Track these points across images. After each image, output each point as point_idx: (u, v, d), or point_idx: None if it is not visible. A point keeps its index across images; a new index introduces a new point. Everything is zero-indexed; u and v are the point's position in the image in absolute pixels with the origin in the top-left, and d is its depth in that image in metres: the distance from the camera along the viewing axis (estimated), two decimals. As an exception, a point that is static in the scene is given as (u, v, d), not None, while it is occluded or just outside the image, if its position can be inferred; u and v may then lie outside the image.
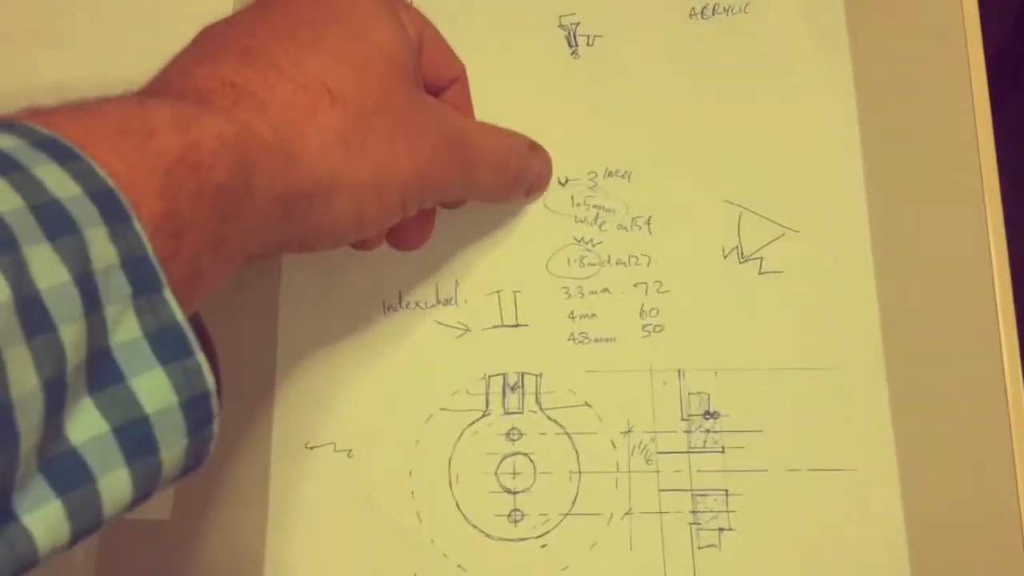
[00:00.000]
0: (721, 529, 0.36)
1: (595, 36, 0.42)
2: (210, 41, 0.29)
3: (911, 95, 0.40)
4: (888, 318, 0.38)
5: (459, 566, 0.36)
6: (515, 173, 0.37)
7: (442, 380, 0.38)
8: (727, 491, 0.36)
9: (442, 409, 0.38)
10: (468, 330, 0.39)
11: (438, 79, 0.35)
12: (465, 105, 0.37)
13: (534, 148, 0.38)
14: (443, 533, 0.36)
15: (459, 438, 0.37)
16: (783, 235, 0.39)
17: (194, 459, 0.23)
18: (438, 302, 0.39)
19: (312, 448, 0.37)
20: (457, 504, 0.37)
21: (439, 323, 0.39)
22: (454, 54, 0.36)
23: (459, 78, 0.37)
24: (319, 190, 0.27)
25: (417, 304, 0.39)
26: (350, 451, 0.37)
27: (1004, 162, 0.39)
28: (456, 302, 0.39)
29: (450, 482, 0.37)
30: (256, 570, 0.36)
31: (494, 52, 0.42)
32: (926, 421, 0.37)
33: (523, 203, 0.40)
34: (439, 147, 0.31)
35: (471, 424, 0.38)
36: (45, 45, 0.42)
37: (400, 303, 0.39)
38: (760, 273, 0.39)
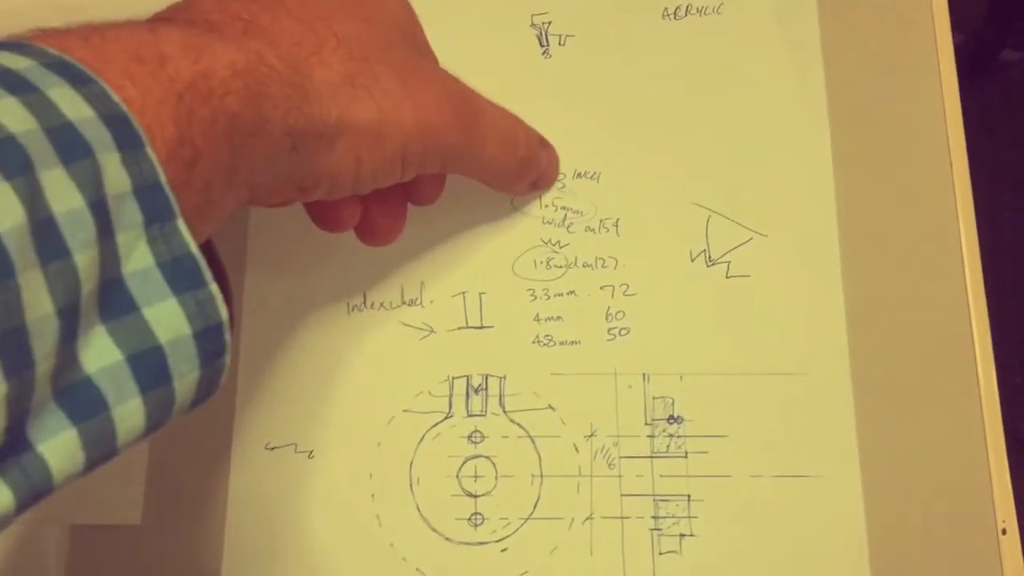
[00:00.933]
0: (683, 535, 0.36)
1: (567, 36, 0.42)
2: None
3: (883, 98, 0.40)
4: (855, 323, 0.37)
5: (418, 570, 0.36)
6: (523, 155, 0.36)
7: (405, 381, 0.38)
8: (689, 496, 0.36)
9: (405, 411, 0.37)
10: (433, 331, 0.38)
11: None
12: None
13: (544, 142, 0.38)
14: (403, 536, 0.36)
15: (421, 440, 0.37)
16: (751, 239, 0.39)
17: (205, 390, 0.23)
18: (403, 303, 0.39)
19: (273, 449, 0.37)
20: (418, 507, 0.36)
21: (404, 324, 0.38)
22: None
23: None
24: (326, 127, 0.27)
25: (382, 305, 0.39)
26: (311, 452, 0.37)
27: (976, 153, 0.39)
28: (421, 303, 0.39)
29: (411, 485, 0.37)
30: (214, 572, 0.36)
31: (465, 50, 0.41)
32: (891, 428, 0.36)
33: (527, 197, 0.39)
34: (444, 107, 0.31)
35: (433, 426, 0.37)
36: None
37: (365, 304, 0.39)
38: (727, 277, 0.38)
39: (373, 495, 0.37)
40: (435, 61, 0.33)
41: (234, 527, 0.36)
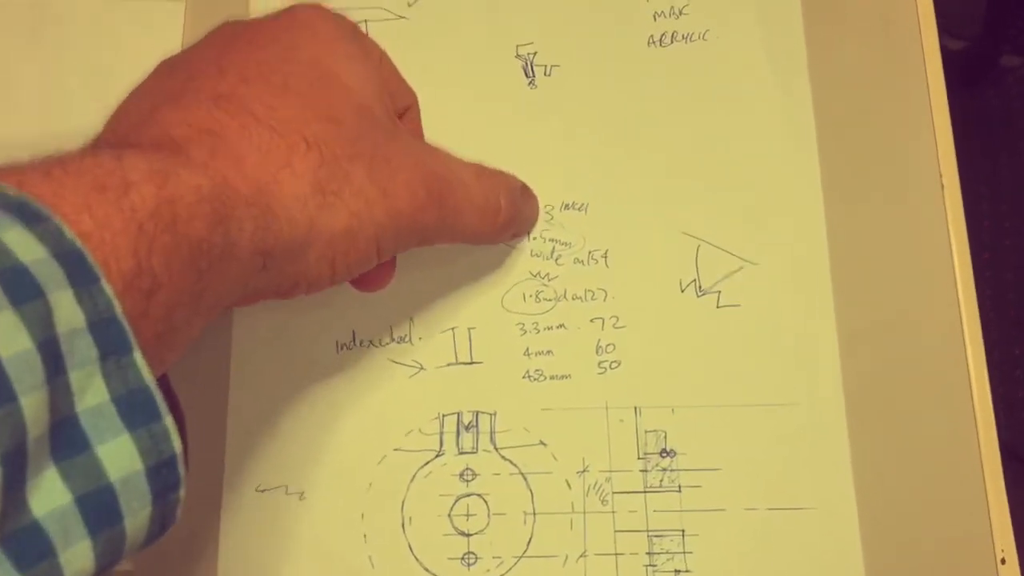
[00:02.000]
0: (678, 571, 0.35)
1: (552, 66, 0.41)
2: (174, 79, 0.28)
3: (871, 123, 0.40)
4: (848, 353, 0.37)
5: (411, 611, 0.35)
6: (505, 219, 0.35)
7: (396, 420, 0.38)
8: (684, 531, 0.36)
9: (396, 450, 0.37)
10: (422, 368, 0.38)
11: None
12: (416, 135, 0.37)
13: (527, 192, 0.38)
14: (395, 577, 0.36)
15: (412, 479, 0.37)
16: (741, 267, 0.38)
17: (159, 526, 0.22)
18: (392, 340, 0.38)
19: (263, 491, 0.37)
20: (410, 547, 0.36)
21: (393, 361, 0.38)
22: (406, 82, 0.36)
23: (411, 106, 0.36)
24: (295, 242, 0.27)
25: (371, 342, 0.38)
26: (302, 494, 0.37)
27: (978, 157, 0.38)
28: (410, 340, 0.38)
29: (403, 524, 0.36)
30: (206, 617, 0.36)
31: (450, 82, 0.41)
32: (887, 459, 0.36)
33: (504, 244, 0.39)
34: (416, 190, 0.30)
35: (425, 464, 0.37)
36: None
37: (354, 341, 0.38)
38: (718, 307, 0.38)
39: (365, 536, 0.36)
40: (403, 133, 0.32)
41: (226, 571, 0.36)
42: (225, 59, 0.29)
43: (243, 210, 0.25)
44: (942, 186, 0.37)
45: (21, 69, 0.42)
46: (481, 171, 0.35)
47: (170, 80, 0.28)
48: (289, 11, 0.32)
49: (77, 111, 0.41)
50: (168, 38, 0.42)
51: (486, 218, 0.34)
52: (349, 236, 0.28)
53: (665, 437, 0.37)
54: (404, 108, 0.36)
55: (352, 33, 0.32)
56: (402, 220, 0.30)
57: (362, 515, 0.36)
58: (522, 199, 0.37)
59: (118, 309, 0.21)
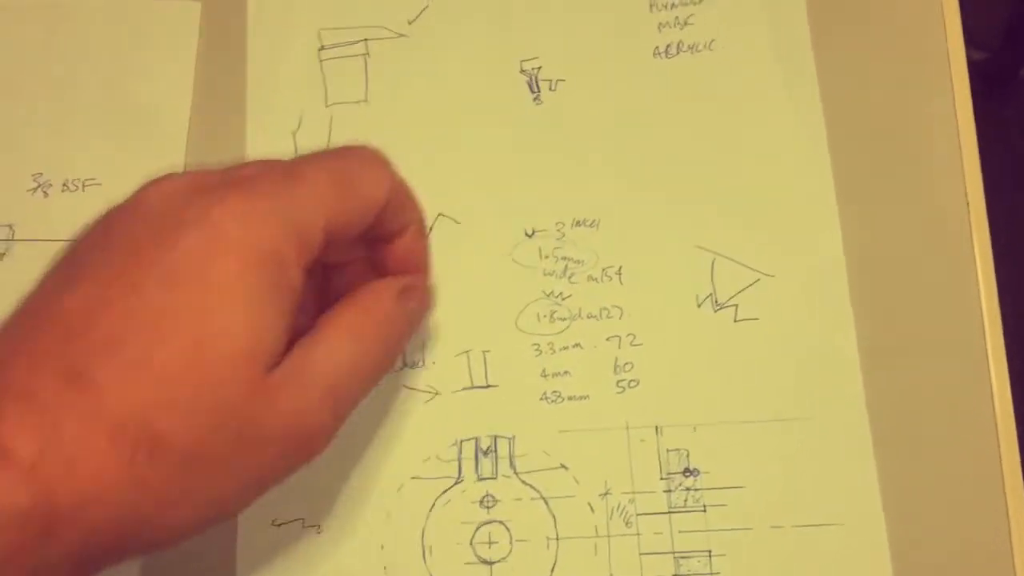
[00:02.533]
0: (706, 593, 0.35)
1: (557, 80, 0.41)
2: (26, 330, 0.25)
3: (887, 130, 0.39)
4: (869, 364, 0.37)
5: (436, 643, 0.35)
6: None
7: (413, 447, 0.37)
8: (711, 552, 0.35)
9: (413, 478, 0.36)
10: (438, 393, 0.37)
11: (392, 227, 0.31)
12: (419, 251, 0.33)
13: (404, 297, 0.31)
14: (418, 609, 0.35)
15: (432, 508, 0.36)
16: (758, 280, 0.38)
17: None
18: (405, 365, 0.38)
19: (279, 525, 0.36)
20: (432, 577, 0.35)
21: (407, 387, 0.37)
22: (413, 199, 0.32)
23: (413, 222, 0.32)
24: (130, 545, 0.25)
25: (384, 368, 0.38)
26: (319, 527, 0.36)
27: (997, 168, 0.38)
28: (424, 364, 0.38)
29: (424, 555, 0.36)
30: (226, 657, 0.35)
31: (453, 100, 0.41)
32: (913, 471, 0.35)
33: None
34: (289, 452, 0.27)
35: (444, 492, 0.36)
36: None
37: (366, 368, 0.38)
38: (736, 321, 0.37)
39: (385, 568, 0.35)
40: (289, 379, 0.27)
41: (244, 608, 0.35)
42: (88, 304, 0.25)
43: (65, 528, 0.23)
44: (966, 198, 0.36)
45: (37, 68, 0.41)
46: (358, 358, 0.29)
47: (25, 329, 0.25)
48: (134, 200, 0.28)
49: (93, 110, 0.40)
50: (184, 35, 0.41)
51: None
52: (198, 526, 0.26)
53: (688, 456, 0.36)
54: (405, 226, 0.32)
55: (242, 216, 0.26)
56: (268, 484, 0.27)
57: (381, 546, 0.36)
58: (404, 328, 0.32)
59: None
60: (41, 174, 0.39)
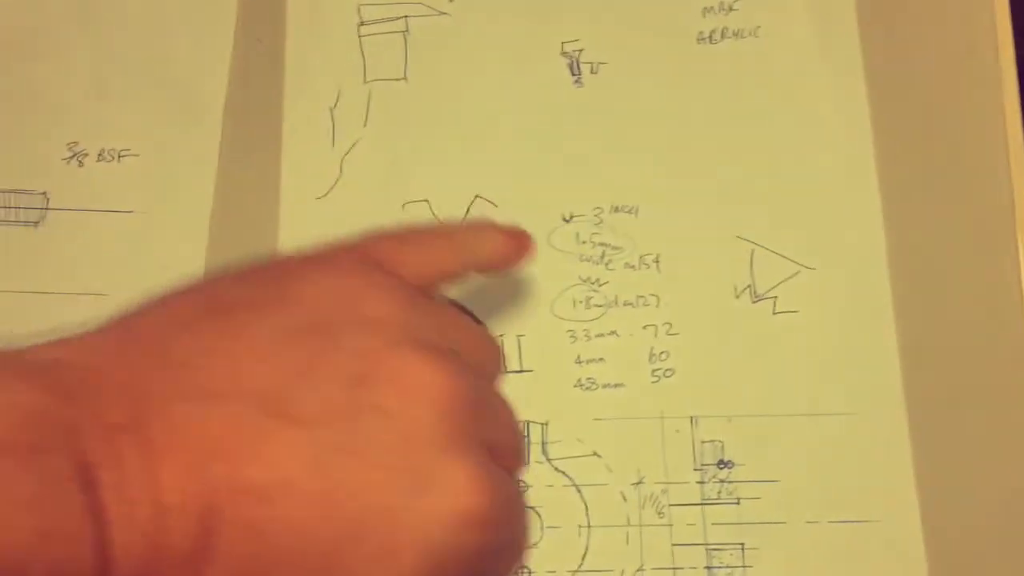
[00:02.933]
0: (737, 586, 0.34)
1: (599, 63, 0.40)
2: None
3: (932, 121, 0.38)
4: (909, 359, 0.36)
5: (464, 628, 0.34)
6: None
7: (444, 430, 0.36)
8: (743, 545, 0.35)
9: (445, 461, 0.36)
10: (470, 377, 0.37)
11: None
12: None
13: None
14: (447, 593, 0.35)
15: (463, 492, 0.36)
16: (798, 273, 0.37)
17: None
18: (439, 347, 0.37)
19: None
20: (461, 561, 0.35)
21: (440, 369, 0.37)
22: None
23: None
24: None
25: (417, 350, 0.37)
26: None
27: None
28: (458, 347, 0.37)
29: (454, 538, 0.35)
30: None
31: (494, 82, 0.40)
32: (951, 469, 0.35)
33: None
34: None
35: (475, 476, 0.36)
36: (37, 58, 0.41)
37: (399, 349, 0.37)
38: (774, 313, 0.37)
39: (415, 550, 0.35)
40: None
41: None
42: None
43: None
44: (1012, 193, 0.36)
45: (74, 37, 0.40)
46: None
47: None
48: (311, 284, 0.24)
49: (131, 80, 0.40)
50: (223, 6, 0.41)
51: None
52: None
53: (722, 448, 0.36)
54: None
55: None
56: None
57: (412, 529, 0.35)
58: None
59: None
60: (77, 143, 0.39)
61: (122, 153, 0.39)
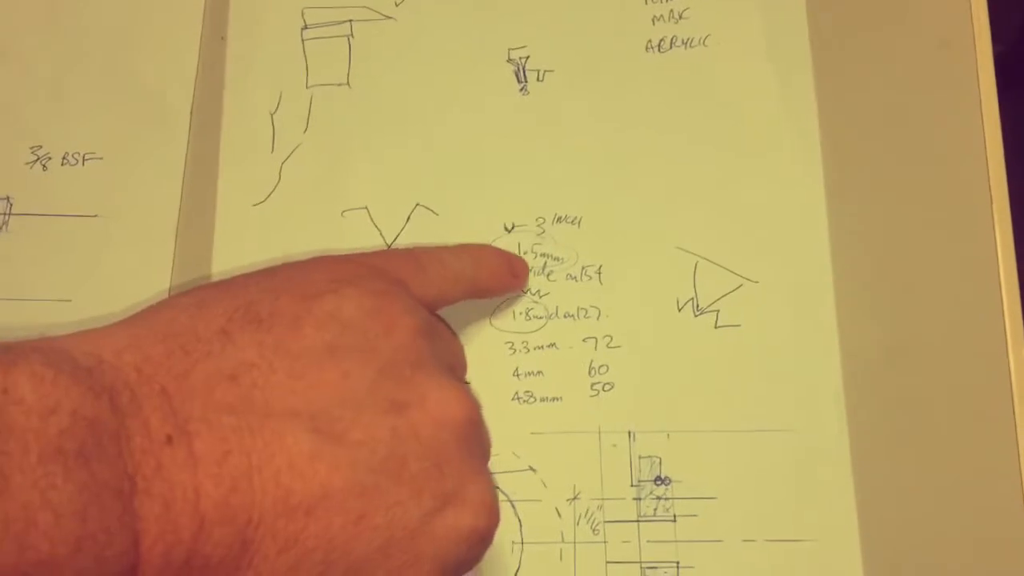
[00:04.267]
0: (671, 605, 0.34)
1: (546, 71, 0.40)
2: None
3: (881, 135, 0.38)
4: (851, 377, 0.35)
5: (392, 645, 0.34)
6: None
7: (378, 442, 0.36)
8: (678, 563, 0.34)
9: (377, 474, 0.35)
10: (406, 388, 0.36)
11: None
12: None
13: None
14: (376, 609, 0.34)
15: (395, 506, 0.35)
16: (741, 286, 0.37)
17: None
18: (375, 358, 0.37)
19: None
20: (392, 577, 0.34)
21: (376, 380, 0.36)
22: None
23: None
24: None
25: (353, 360, 0.37)
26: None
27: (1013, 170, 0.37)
28: (394, 358, 0.37)
29: (384, 554, 0.35)
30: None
31: (438, 86, 0.39)
32: (891, 489, 0.34)
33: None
34: None
35: (408, 490, 0.35)
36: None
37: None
38: (716, 327, 0.36)
39: (344, 565, 0.35)
40: None
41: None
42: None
43: None
44: (992, 216, 0.35)
45: (38, 39, 0.40)
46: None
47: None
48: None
49: (96, 83, 0.39)
50: (189, 9, 0.40)
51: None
52: None
53: (660, 464, 0.35)
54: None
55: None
56: None
57: (341, 543, 0.35)
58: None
59: None
60: (40, 147, 0.38)
61: (87, 156, 0.38)
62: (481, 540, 0.25)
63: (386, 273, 0.27)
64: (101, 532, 0.19)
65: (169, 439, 0.21)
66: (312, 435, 0.22)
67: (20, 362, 0.19)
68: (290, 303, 0.25)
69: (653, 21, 0.40)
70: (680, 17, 0.40)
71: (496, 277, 0.33)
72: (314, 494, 0.22)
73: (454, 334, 0.31)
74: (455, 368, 0.28)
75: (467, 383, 0.26)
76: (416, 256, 0.30)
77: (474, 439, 0.26)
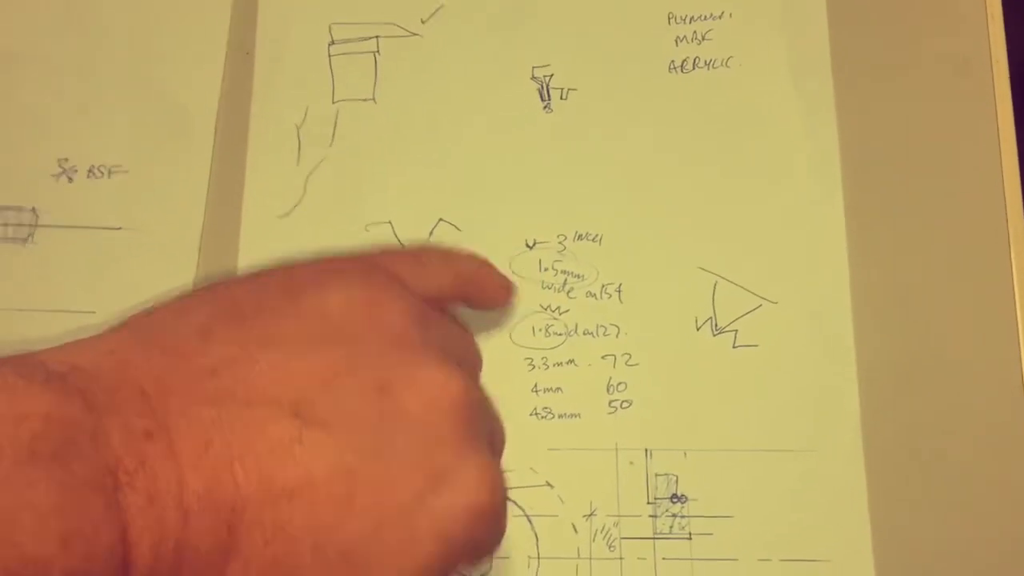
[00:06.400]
0: (686, 623, 0.34)
1: (569, 89, 0.40)
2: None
3: (902, 157, 0.38)
4: (868, 398, 0.36)
5: (409, 657, 0.34)
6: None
7: (398, 455, 0.36)
8: (693, 581, 0.34)
9: (396, 486, 0.36)
10: (426, 401, 0.37)
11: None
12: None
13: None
14: (393, 620, 0.34)
15: (413, 518, 0.35)
16: (760, 306, 0.37)
17: None
18: (396, 371, 0.37)
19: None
20: (409, 589, 0.35)
21: (396, 393, 0.37)
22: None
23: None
24: None
25: (374, 373, 0.37)
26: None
27: None
28: (415, 371, 0.37)
29: (402, 565, 0.35)
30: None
31: (462, 103, 0.40)
32: (905, 509, 0.35)
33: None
34: None
35: (426, 503, 0.36)
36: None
37: (356, 371, 0.37)
38: (734, 346, 0.37)
39: (362, 576, 0.35)
40: None
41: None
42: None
43: None
44: (1009, 239, 0.36)
45: (66, 53, 0.40)
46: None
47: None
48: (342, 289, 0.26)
49: (122, 96, 0.40)
50: (215, 23, 0.41)
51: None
52: None
53: (676, 481, 0.35)
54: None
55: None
56: None
57: (360, 554, 0.35)
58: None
59: None
60: (67, 159, 0.39)
61: (112, 169, 0.39)
62: (483, 515, 0.23)
63: (381, 267, 0.27)
64: (86, 527, 0.19)
65: (149, 434, 0.21)
66: (293, 421, 0.22)
67: None
68: (276, 298, 0.25)
69: (676, 42, 0.40)
70: (703, 38, 0.40)
71: (492, 279, 0.33)
72: (297, 479, 0.22)
73: (465, 329, 0.30)
74: (463, 361, 0.27)
75: (463, 365, 0.26)
76: (415, 252, 0.30)
77: (470, 418, 0.24)
